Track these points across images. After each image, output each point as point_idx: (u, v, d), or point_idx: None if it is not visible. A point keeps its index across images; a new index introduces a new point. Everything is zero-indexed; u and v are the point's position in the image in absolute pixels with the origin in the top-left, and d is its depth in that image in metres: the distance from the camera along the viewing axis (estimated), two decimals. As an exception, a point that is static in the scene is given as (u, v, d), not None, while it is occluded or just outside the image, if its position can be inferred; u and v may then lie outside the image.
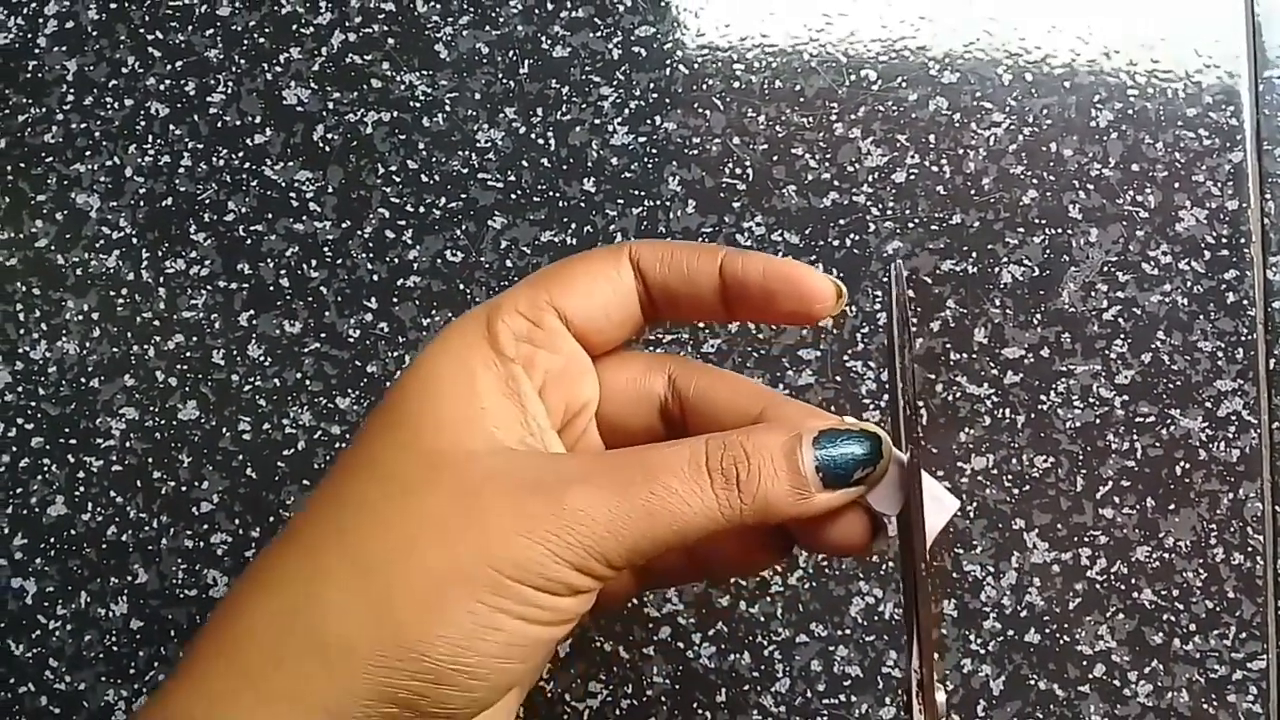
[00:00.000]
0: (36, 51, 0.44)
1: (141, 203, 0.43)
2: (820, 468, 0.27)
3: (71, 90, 0.44)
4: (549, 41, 0.44)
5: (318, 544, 0.26)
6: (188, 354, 0.42)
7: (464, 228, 0.43)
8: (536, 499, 0.26)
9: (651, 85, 0.44)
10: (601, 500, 0.26)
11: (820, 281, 0.29)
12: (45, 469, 0.41)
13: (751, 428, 0.28)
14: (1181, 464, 0.40)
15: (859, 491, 0.28)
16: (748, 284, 0.29)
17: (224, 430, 0.41)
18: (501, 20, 0.44)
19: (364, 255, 0.42)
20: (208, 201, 0.43)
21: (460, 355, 0.28)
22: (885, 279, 0.41)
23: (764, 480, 0.27)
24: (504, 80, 0.44)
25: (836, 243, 0.42)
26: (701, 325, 0.41)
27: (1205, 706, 0.39)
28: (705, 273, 0.29)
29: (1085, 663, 0.39)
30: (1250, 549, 0.40)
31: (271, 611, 0.26)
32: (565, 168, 0.43)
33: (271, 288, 0.42)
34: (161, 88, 0.44)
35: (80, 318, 0.42)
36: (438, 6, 0.44)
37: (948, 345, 0.41)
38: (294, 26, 0.44)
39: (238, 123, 0.44)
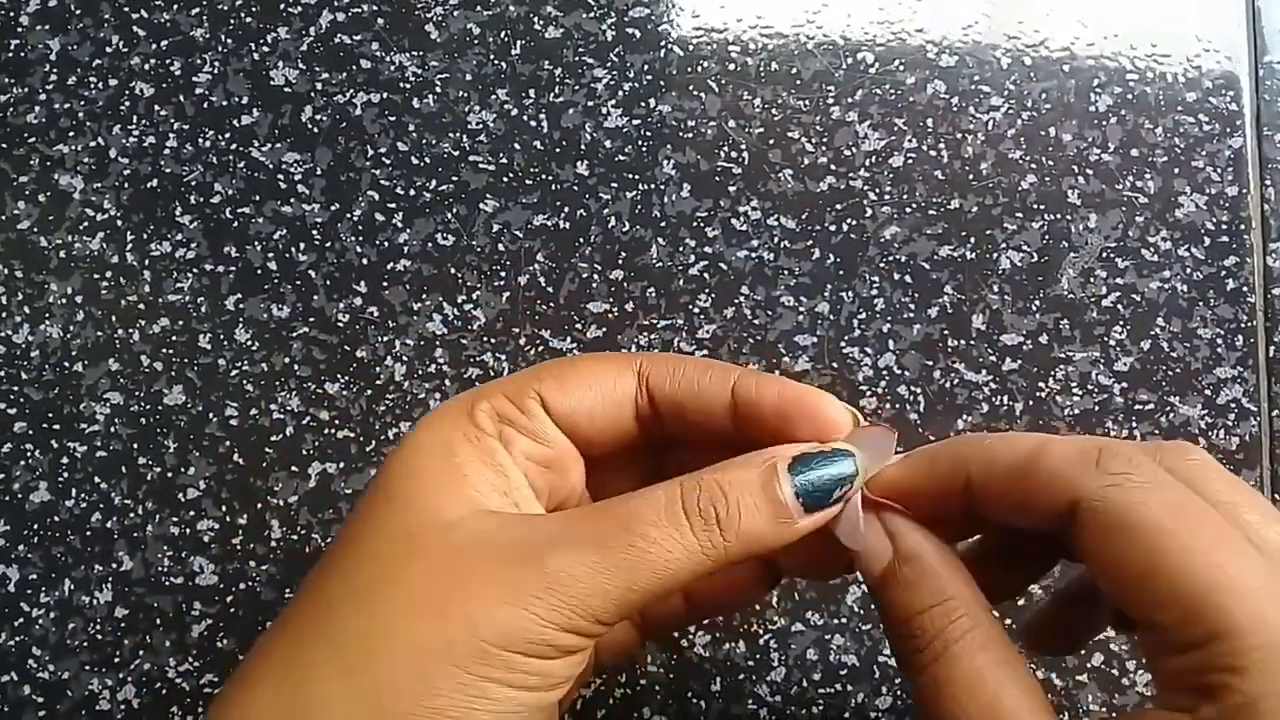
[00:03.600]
0: (19, 30, 0.43)
1: (126, 184, 0.42)
2: (800, 493, 0.27)
3: (54, 70, 0.43)
4: (541, 22, 0.43)
5: (305, 635, 0.26)
6: (173, 338, 0.41)
7: (455, 211, 0.42)
8: (518, 564, 0.25)
9: (646, 67, 0.43)
10: (582, 559, 0.25)
11: (836, 411, 0.28)
12: (28, 454, 0.40)
13: (725, 463, 0.27)
14: (1180, 452, 0.40)
15: (840, 508, 0.27)
16: (762, 408, 0.28)
17: (210, 415, 0.40)
18: (493, 0, 0.43)
19: (353, 238, 0.42)
20: (194, 183, 0.42)
21: (441, 433, 0.28)
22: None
23: (744, 516, 0.26)
24: (496, 61, 0.43)
25: (833, 227, 0.42)
26: (696, 311, 0.41)
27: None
28: (717, 393, 0.29)
29: (1083, 652, 0.39)
30: (1249, 537, 0.39)
31: (271, 717, 0.25)
32: (558, 150, 0.42)
33: (259, 271, 0.42)
34: (146, 67, 0.43)
35: (64, 301, 0.41)
36: (429, -14, 0.43)
37: (945, 331, 0.41)
38: (281, 6, 0.44)
39: (224, 103, 0.43)
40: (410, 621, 0.25)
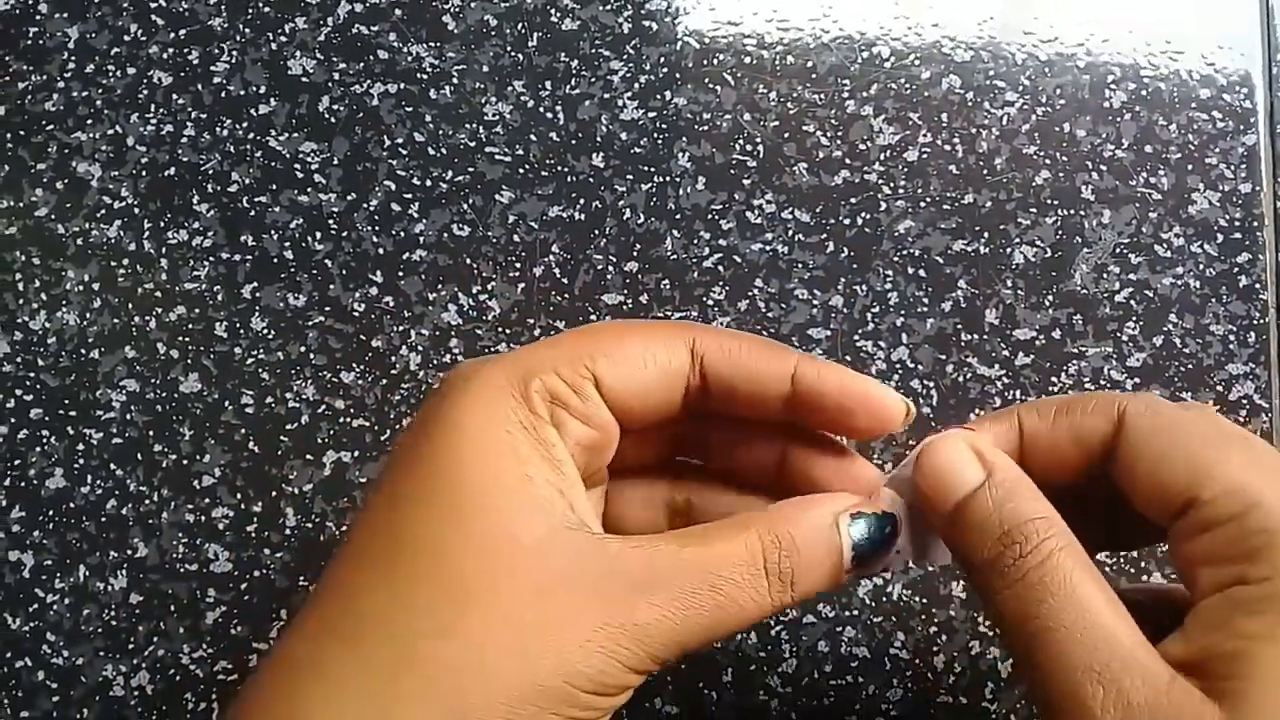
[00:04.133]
0: (38, 18, 0.44)
1: (144, 172, 0.42)
2: (856, 554, 0.27)
3: (73, 57, 0.43)
4: (558, 14, 0.44)
5: (382, 656, 0.25)
6: (190, 326, 0.41)
7: (471, 201, 0.42)
8: (610, 607, 0.25)
9: (662, 60, 0.43)
10: (670, 612, 0.25)
11: (894, 402, 0.29)
12: (44, 441, 0.41)
13: (795, 511, 0.27)
14: (1192, 447, 0.40)
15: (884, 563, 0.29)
16: (824, 396, 0.28)
17: (226, 403, 0.41)
18: (510, -8, 0.44)
19: (369, 228, 0.42)
20: (211, 172, 0.42)
21: (495, 413, 0.26)
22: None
23: (812, 574, 0.27)
24: (512, 53, 0.43)
25: (847, 221, 0.42)
26: (710, 303, 0.41)
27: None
28: (775, 376, 0.29)
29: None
30: (1260, 533, 0.39)
31: None
32: (574, 142, 0.42)
33: (275, 260, 0.42)
34: (164, 56, 0.43)
35: (81, 288, 0.42)
36: (446, -23, 0.44)
37: (959, 326, 0.41)
38: (300, -4, 0.44)
39: (242, 93, 0.43)
40: (502, 658, 0.25)
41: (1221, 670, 0.24)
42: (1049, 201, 0.42)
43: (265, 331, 0.41)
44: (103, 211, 0.42)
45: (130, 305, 0.41)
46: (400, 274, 0.42)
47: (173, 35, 0.43)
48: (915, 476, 0.28)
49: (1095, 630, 0.25)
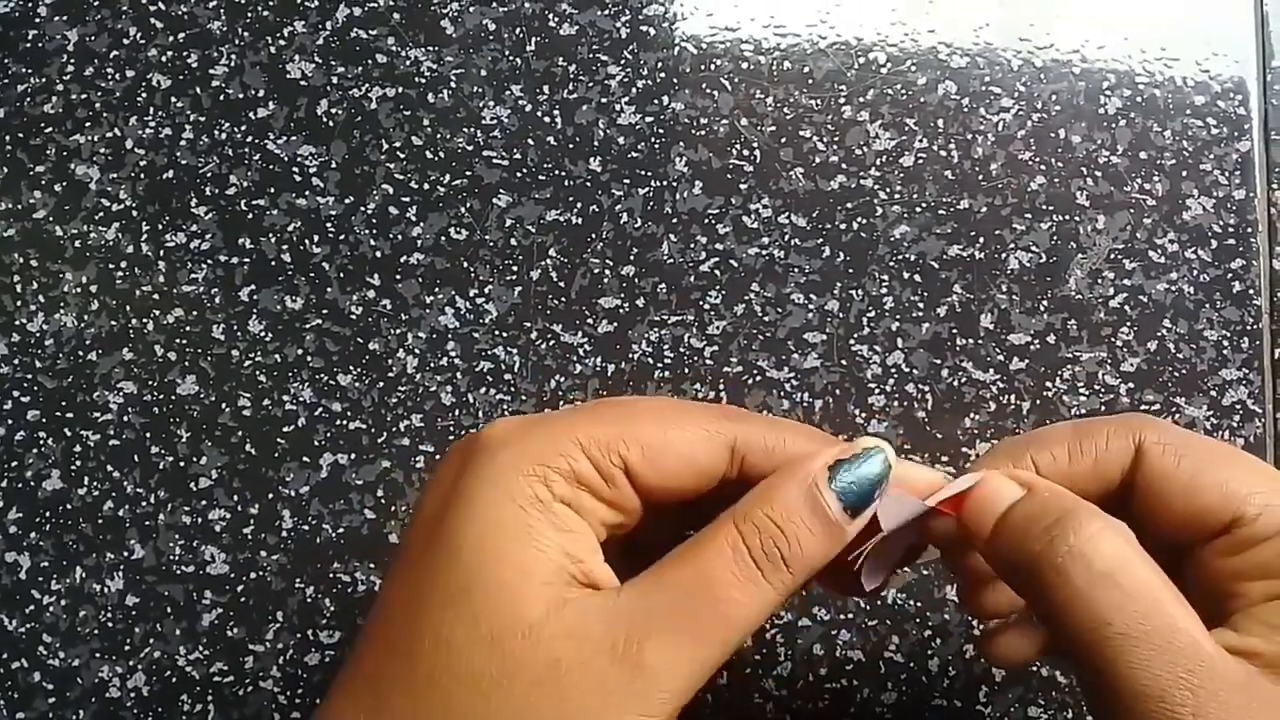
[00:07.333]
0: (37, 21, 0.44)
1: (142, 175, 0.43)
2: (843, 500, 0.27)
3: (72, 60, 0.43)
4: (556, 19, 0.44)
5: None
6: (187, 328, 0.41)
7: (468, 205, 0.42)
8: (614, 669, 0.25)
9: (659, 65, 0.43)
10: (680, 648, 0.25)
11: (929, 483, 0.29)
12: (41, 442, 0.41)
13: (764, 491, 0.27)
14: (1186, 452, 0.40)
15: (878, 505, 0.28)
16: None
17: (223, 406, 0.41)
18: (508, -3, 0.44)
19: (367, 231, 0.42)
20: (209, 175, 0.43)
21: (514, 493, 0.26)
22: None
23: (804, 543, 0.26)
24: (510, 57, 0.43)
25: (844, 226, 0.42)
26: (706, 307, 0.41)
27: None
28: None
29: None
30: (1253, 538, 0.40)
31: None
32: (571, 146, 0.43)
33: (273, 263, 0.42)
34: (163, 59, 0.43)
35: (79, 290, 0.42)
36: (444, -18, 0.44)
37: (954, 330, 0.41)
38: (298, 0, 0.44)
39: (240, 96, 0.43)
40: None
41: None
42: (1044, 207, 0.42)
43: (263, 334, 0.41)
44: (101, 214, 0.42)
45: (128, 307, 0.42)
46: (398, 277, 0.42)
47: (171, 39, 0.44)
48: (961, 516, 0.28)
49: (1178, 632, 0.24)
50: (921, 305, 0.41)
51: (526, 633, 0.25)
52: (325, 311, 0.41)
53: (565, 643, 0.25)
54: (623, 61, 0.43)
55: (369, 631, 0.27)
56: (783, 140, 0.43)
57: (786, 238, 0.42)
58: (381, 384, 0.41)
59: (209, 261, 0.42)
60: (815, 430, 0.29)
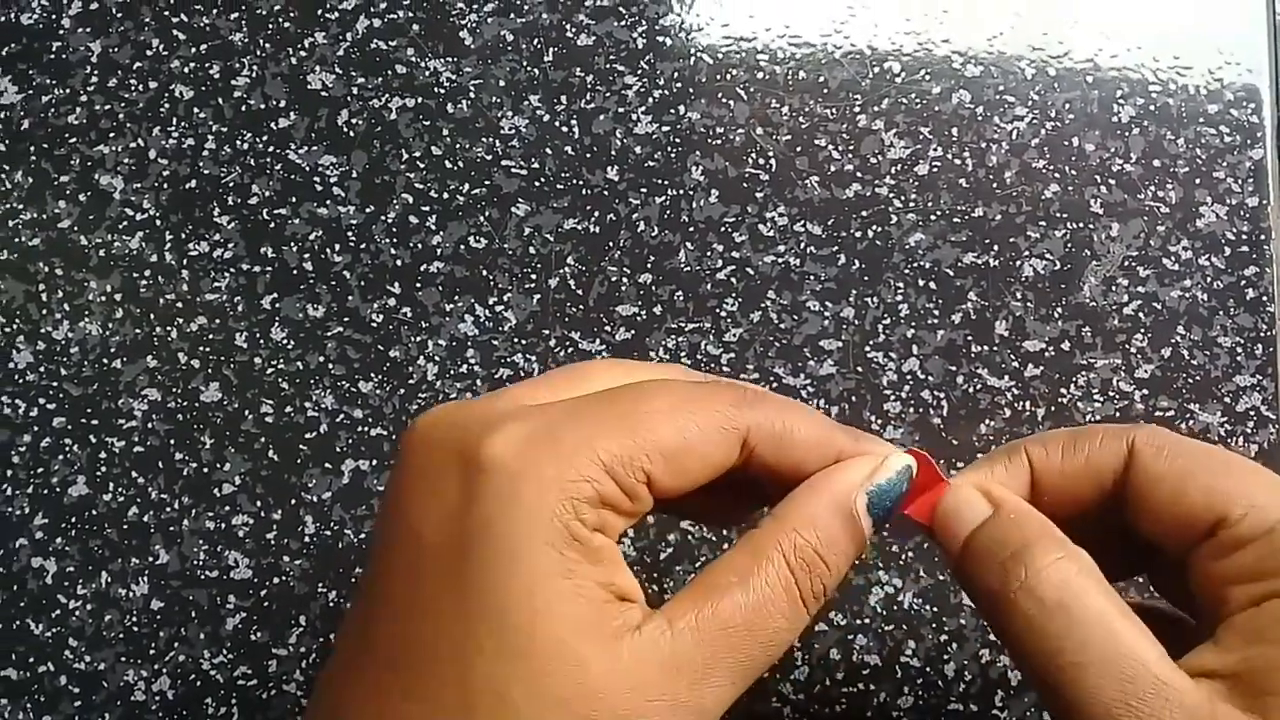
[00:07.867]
0: (60, 32, 0.44)
1: (165, 185, 0.43)
2: (875, 519, 0.27)
3: (95, 72, 0.44)
4: (573, 29, 0.44)
5: None
6: (210, 336, 0.42)
7: (487, 214, 0.43)
8: (675, 717, 0.25)
9: (675, 74, 0.44)
10: (735, 689, 0.26)
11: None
12: (67, 449, 0.41)
13: (812, 519, 0.27)
14: (1200, 458, 0.40)
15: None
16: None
17: (246, 413, 0.41)
18: (526, 8, 0.44)
19: (387, 240, 0.42)
20: (231, 185, 0.43)
21: (553, 544, 0.25)
22: None
23: (841, 569, 0.27)
24: (528, 68, 0.44)
25: (859, 234, 0.42)
26: (723, 314, 0.42)
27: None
28: (817, 463, 0.28)
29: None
30: (1267, 543, 0.40)
31: None
32: (589, 156, 0.43)
33: (295, 271, 0.42)
34: (186, 70, 0.44)
35: (103, 299, 0.42)
36: (463, -7, 0.44)
37: (969, 337, 0.41)
38: (319, 11, 0.44)
39: (262, 106, 0.44)
40: None
41: (1262, 683, 0.24)
42: (1058, 215, 0.42)
43: (285, 342, 0.42)
44: (125, 223, 0.43)
45: (152, 316, 0.42)
46: (418, 285, 0.42)
47: (194, 50, 0.44)
48: (933, 529, 0.28)
49: (1126, 659, 0.25)
50: (937, 312, 0.42)
51: (589, 694, 0.25)
52: (346, 319, 0.42)
53: (628, 696, 0.25)
54: (640, 72, 0.44)
55: (388, 656, 0.26)
56: (798, 149, 0.43)
57: (802, 245, 0.42)
58: (402, 391, 0.41)
59: (231, 270, 0.42)
60: (819, 414, 0.29)
